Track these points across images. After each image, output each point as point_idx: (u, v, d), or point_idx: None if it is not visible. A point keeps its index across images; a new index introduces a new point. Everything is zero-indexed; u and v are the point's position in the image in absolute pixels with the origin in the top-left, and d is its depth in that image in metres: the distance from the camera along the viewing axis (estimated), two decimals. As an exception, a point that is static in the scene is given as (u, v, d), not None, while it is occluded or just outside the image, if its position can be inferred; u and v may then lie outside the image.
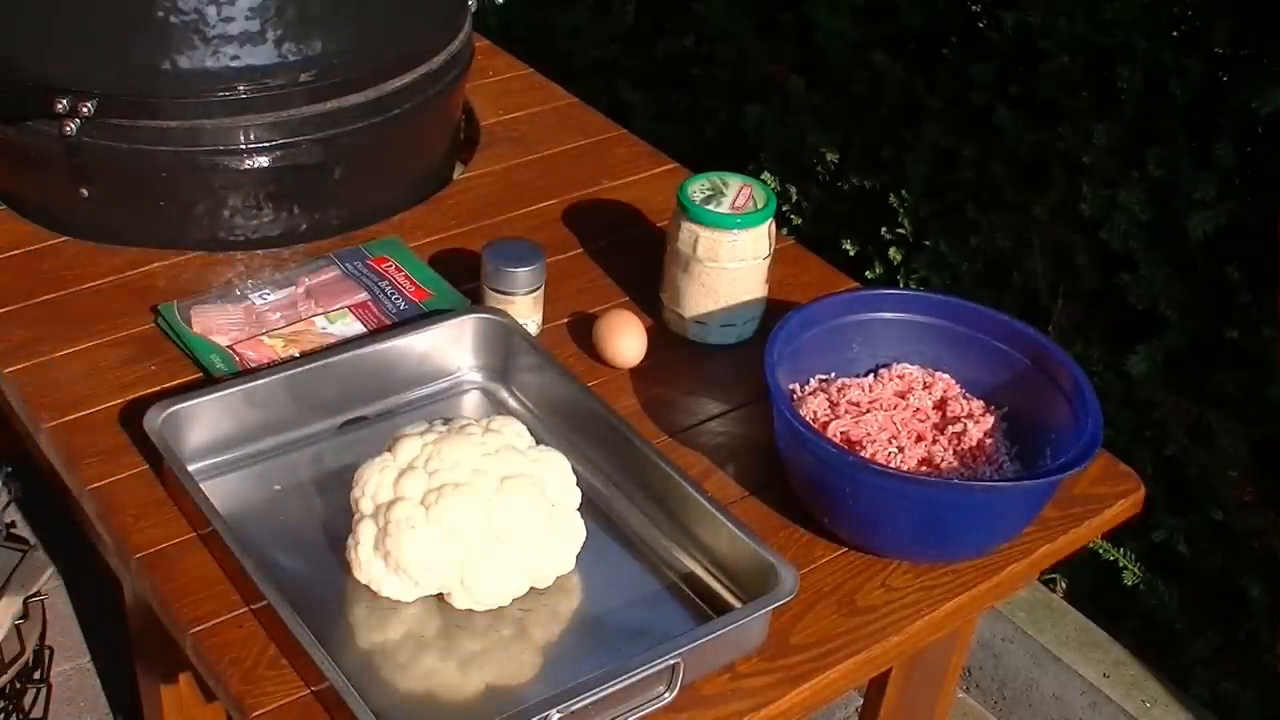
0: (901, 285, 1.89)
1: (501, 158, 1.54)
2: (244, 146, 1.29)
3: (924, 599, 1.05)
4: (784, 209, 2.03)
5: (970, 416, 1.12)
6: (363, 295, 1.27)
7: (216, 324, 1.22)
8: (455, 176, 1.52)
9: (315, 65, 1.29)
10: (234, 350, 1.19)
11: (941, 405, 1.14)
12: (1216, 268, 1.53)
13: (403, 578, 0.99)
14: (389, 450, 1.03)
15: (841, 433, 1.09)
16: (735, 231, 1.22)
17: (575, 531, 1.04)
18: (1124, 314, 1.63)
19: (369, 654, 0.98)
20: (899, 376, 1.15)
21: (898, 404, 1.13)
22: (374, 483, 1.01)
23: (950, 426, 1.11)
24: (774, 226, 1.26)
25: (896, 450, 1.09)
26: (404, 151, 1.43)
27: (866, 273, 1.94)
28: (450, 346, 1.21)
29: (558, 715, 0.88)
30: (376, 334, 1.21)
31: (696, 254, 1.23)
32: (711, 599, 1.04)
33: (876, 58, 1.84)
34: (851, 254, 1.96)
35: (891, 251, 1.90)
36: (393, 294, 1.27)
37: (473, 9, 1.51)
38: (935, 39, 1.81)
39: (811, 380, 1.15)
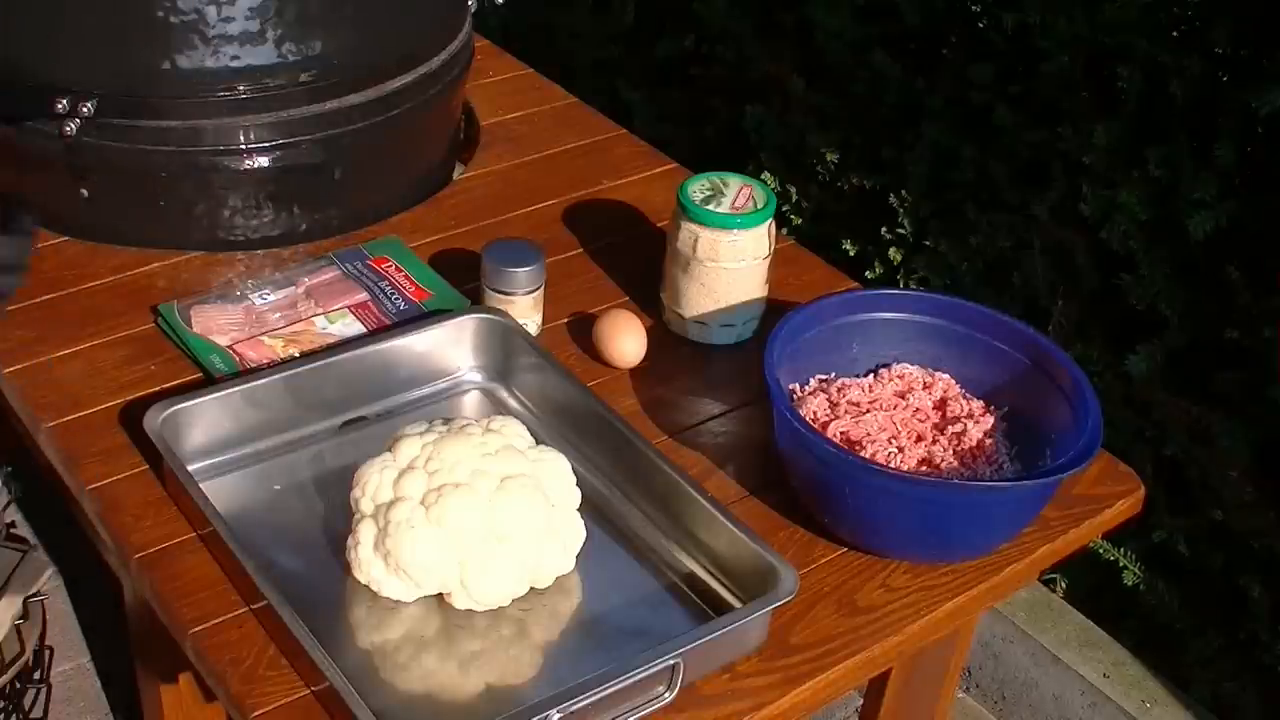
0: (901, 285, 1.89)
1: (501, 158, 1.54)
2: (244, 146, 1.29)
3: (924, 599, 1.05)
4: (784, 209, 2.03)
5: (970, 416, 1.12)
6: (363, 295, 1.27)
7: (216, 324, 1.22)
8: (455, 176, 1.52)
9: (315, 65, 1.29)
10: (234, 350, 1.19)
11: (941, 405, 1.14)
12: (1216, 268, 1.53)
13: (403, 578, 0.99)
14: (389, 450, 1.03)
15: (841, 433, 1.09)
16: (735, 231, 1.22)
17: (575, 531, 1.04)
18: (1124, 314, 1.63)
19: (369, 654, 0.98)
20: (899, 376, 1.15)
21: (898, 404, 1.13)
22: (374, 483, 1.01)
23: (950, 426, 1.11)
24: (774, 226, 1.26)
25: (896, 450, 1.09)
26: (404, 151, 1.43)
27: (866, 273, 1.94)
28: (450, 346, 1.21)
29: (558, 715, 0.88)
30: (376, 334, 1.21)
31: (696, 254, 1.23)
32: (711, 599, 1.04)
33: (876, 58, 1.84)
34: (851, 254, 1.96)
35: (891, 251, 1.90)
36: (393, 294, 1.27)
37: (473, 9, 1.51)
38: (935, 39, 1.81)
39: (811, 380, 1.15)
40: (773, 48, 2.02)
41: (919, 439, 1.10)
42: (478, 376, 1.23)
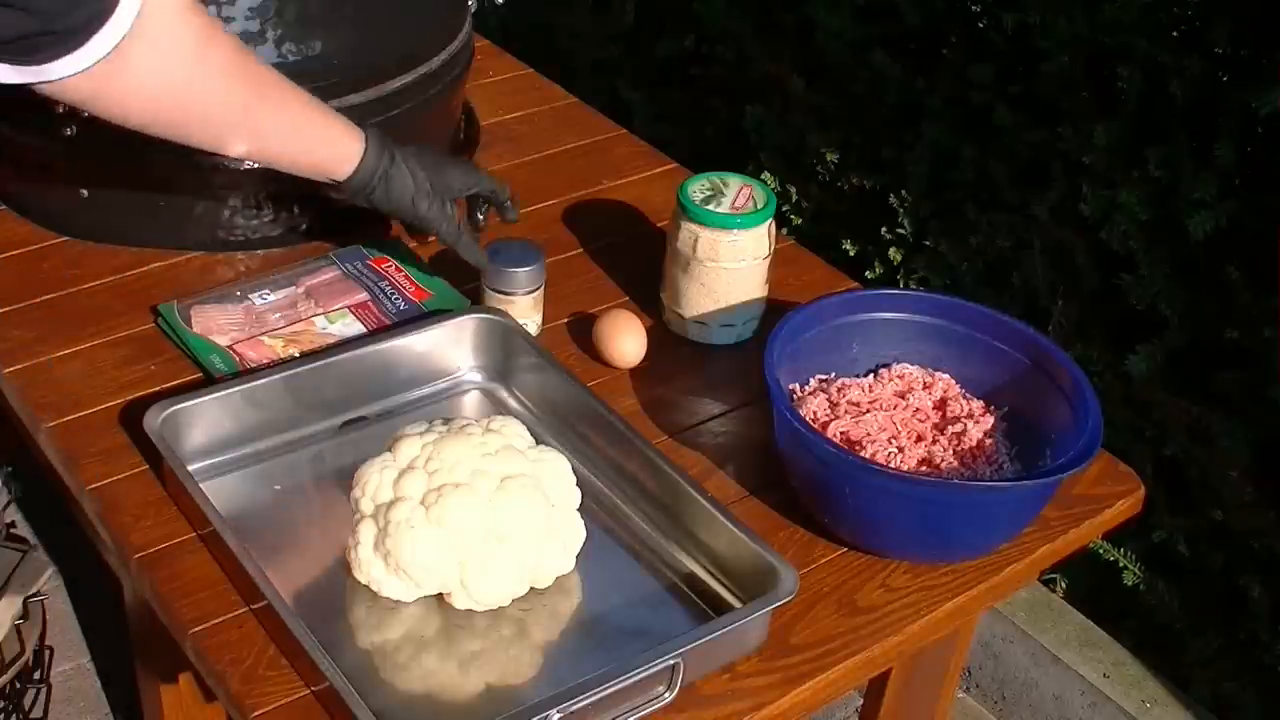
0: (901, 285, 1.89)
1: (501, 158, 1.54)
2: (244, 146, 1.29)
3: (924, 599, 1.05)
4: (784, 209, 2.03)
5: (970, 416, 1.12)
6: (363, 295, 1.27)
7: (216, 324, 1.22)
8: (455, 177, 1.52)
9: (315, 65, 1.29)
10: (234, 350, 1.19)
11: (941, 405, 1.14)
12: (1216, 268, 1.53)
13: (403, 578, 0.99)
14: (389, 450, 1.03)
15: (841, 433, 1.09)
16: (735, 231, 1.22)
17: (575, 531, 1.04)
18: (1124, 314, 1.63)
19: (369, 654, 0.98)
20: (899, 376, 1.15)
21: (898, 404, 1.13)
22: (374, 483, 1.01)
23: (950, 426, 1.11)
24: (774, 226, 1.26)
25: (896, 450, 1.09)
26: (404, 151, 1.43)
27: (866, 273, 1.94)
28: (450, 346, 1.21)
29: (558, 715, 0.88)
30: (376, 334, 1.21)
31: (696, 254, 1.23)
32: (711, 599, 1.04)
33: (876, 58, 1.84)
34: (851, 254, 1.96)
35: (891, 251, 1.90)
36: (393, 294, 1.27)
37: (473, 9, 1.51)
38: (935, 39, 1.81)
39: (811, 380, 1.15)
40: (773, 48, 2.02)
41: (919, 439, 1.10)
42: (478, 376, 1.23)
